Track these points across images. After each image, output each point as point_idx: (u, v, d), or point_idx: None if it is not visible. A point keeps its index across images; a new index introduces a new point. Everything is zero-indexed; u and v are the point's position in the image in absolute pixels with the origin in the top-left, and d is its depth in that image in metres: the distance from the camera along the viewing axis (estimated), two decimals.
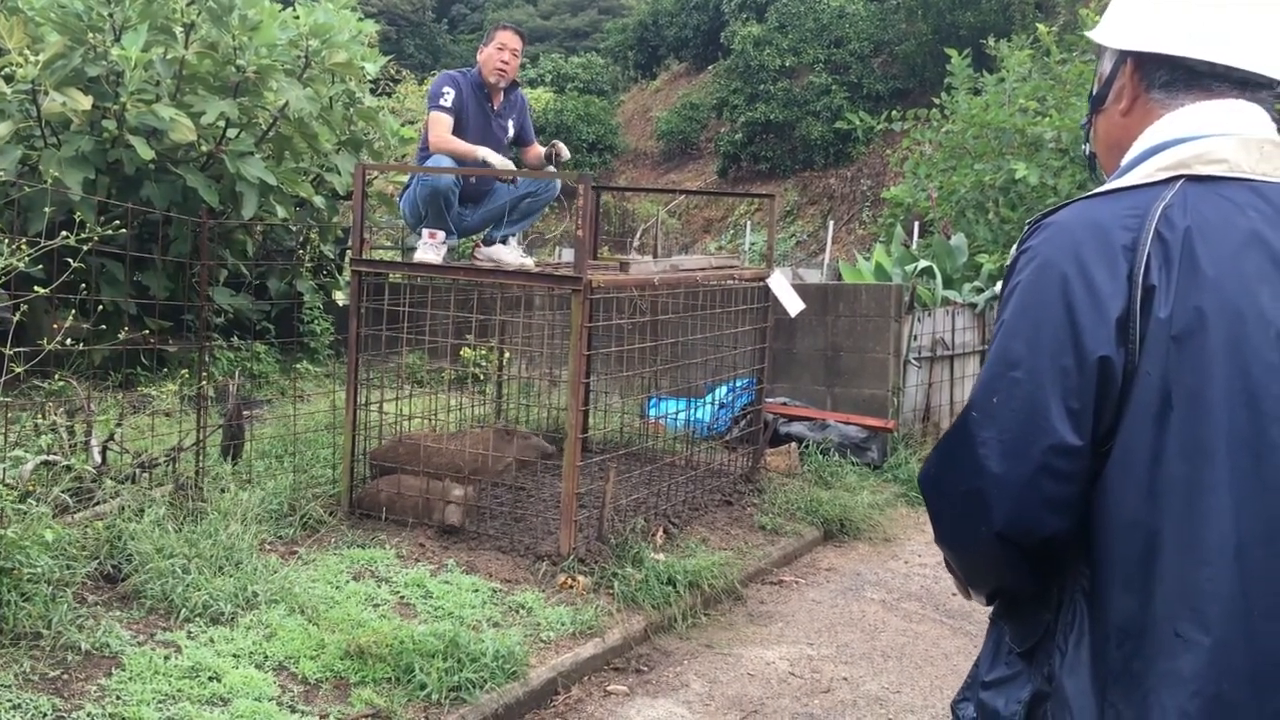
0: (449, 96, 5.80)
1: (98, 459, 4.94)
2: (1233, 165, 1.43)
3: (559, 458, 5.65)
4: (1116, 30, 1.60)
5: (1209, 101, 1.51)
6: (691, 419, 7.29)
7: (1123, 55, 1.59)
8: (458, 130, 5.83)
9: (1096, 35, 1.63)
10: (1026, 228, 1.53)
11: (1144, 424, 1.36)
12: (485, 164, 5.68)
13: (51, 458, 4.62)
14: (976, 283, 9.73)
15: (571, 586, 4.90)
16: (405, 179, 6.79)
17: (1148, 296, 1.37)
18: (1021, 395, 1.41)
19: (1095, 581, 1.41)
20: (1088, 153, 1.72)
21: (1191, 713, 1.32)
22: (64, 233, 4.57)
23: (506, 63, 5.97)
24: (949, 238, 10.61)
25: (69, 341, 4.68)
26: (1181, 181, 1.43)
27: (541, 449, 5.89)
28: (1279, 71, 1.50)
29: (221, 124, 8.31)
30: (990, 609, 1.62)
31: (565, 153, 5.97)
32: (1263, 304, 1.36)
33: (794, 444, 7.68)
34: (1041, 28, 12.08)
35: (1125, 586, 1.38)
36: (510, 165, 5.80)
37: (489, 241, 6.21)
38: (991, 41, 12.71)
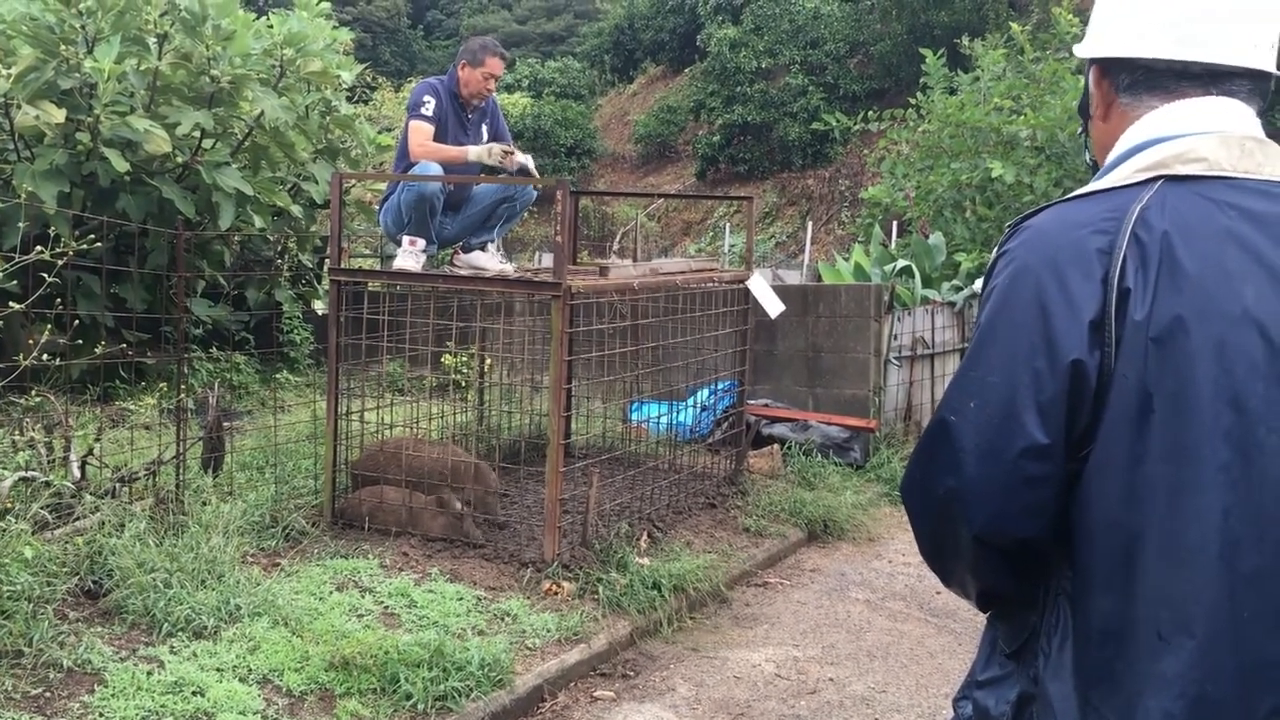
0: (430, 105, 5.81)
1: (77, 474, 4.90)
2: (1212, 164, 1.43)
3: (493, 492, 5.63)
4: (1087, 40, 1.63)
5: (1185, 100, 1.51)
6: (674, 422, 7.30)
7: (1090, 63, 1.63)
8: (437, 138, 5.84)
9: (1076, 49, 1.67)
10: (1006, 230, 1.53)
11: (1123, 426, 1.36)
12: (481, 166, 5.71)
13: (30, 474, 4.59)
14: (955, 281, 9.78)
15: (556, 593, 4.89)
16: (383, 187, 6.78)
17: (1123, 299, 1.37)
18: (996, 399, 1.41)
19: (1076, 584, 1.41)
20: (1089, 160, 1.72)
21: (1176, 714, 1.32)
22: (38, 247, 4.54)
23: (490, 90, 6.02)
24: (927, 237, 10.66)
25: (45, 356, 4.65)
26: (1160, 182, 1.43)
27: (483, 496, 5.74)
28: (1233, 57, 1.49)
29: (197, 135, 8.27)
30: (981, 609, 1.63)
31: (529, 164, 5.93)
32: (1246, 302, 1.35)
33: (777, 445, 7.69)
34: (1015, 26, 12.15)
35: (1106, 588, 1.38)
36: (496, 149, 5.79)
37: (468, 248, 6.20)
38: (966, 41, 12.78)
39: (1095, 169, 1.70)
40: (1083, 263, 1.40)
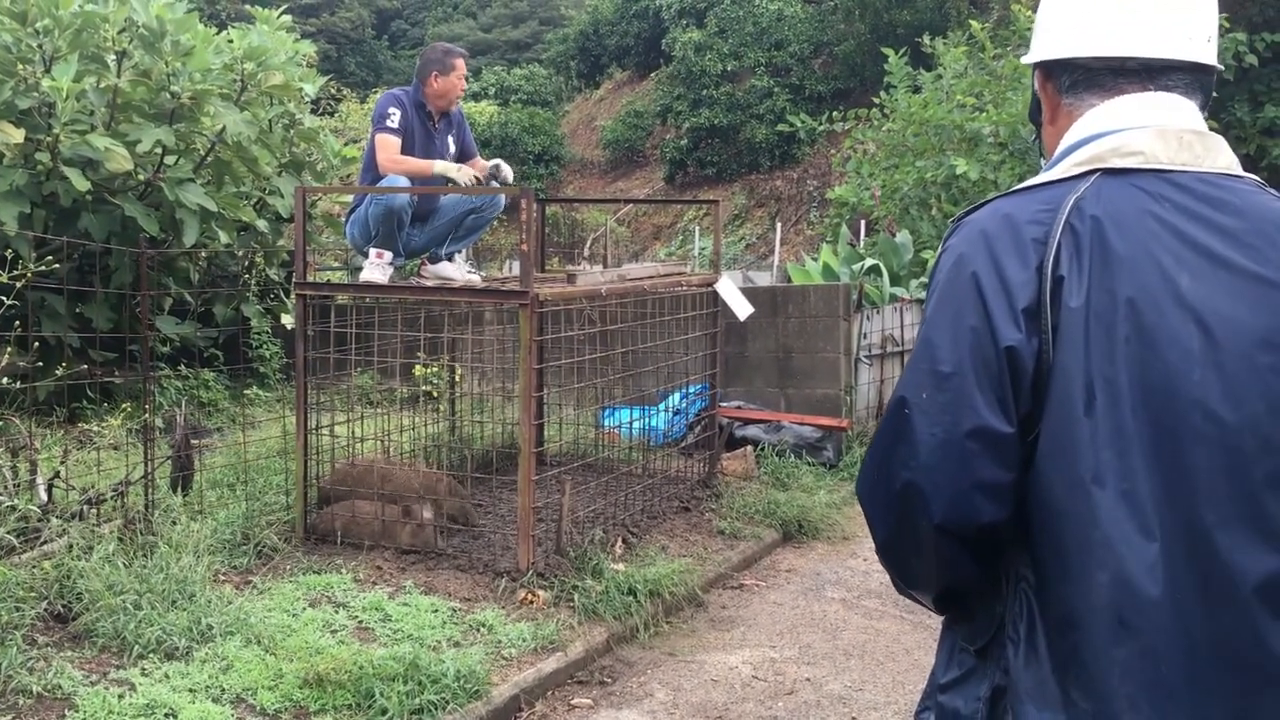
0: (395, 117, 5.79)
1: (43, 497, 4.85)
2: (1149, 156, 1.45)
3: (468, 518, 5.62)
4: (1031, 47, 1.66)
5: (1123, 96, 1.53)
6: (646, 427, 7.30)
7: (1034, 68, 1.66)
8: (403, 149, 5.82)
9: (1022, 58, 1.70)
10: (949, 226, 1.56)
11: (1067, 413, 1.38)
12: (446, 179, 5.71)
13: None
14: (923, 278, 9.83)
15: (532, 602, 4.88)
16: (350, 198, 6.76)
17: (1057, 287, 1.40)
18: (950, 388, 1.42)
19: (1037, 572, 1.42)
20: (1043, 165, 1.75)
21: (1140, 700, 1.33)
22: None
23: (464, 88, 6.07)
24: (894, 235, 10.72)
25: (5, 380, 4.60)
26: (1097, 175, 1.46)
27: (461, 505, 5.75)
28: (1168, 51, 1.52)
29: (158, 151, 8.20)
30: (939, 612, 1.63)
31: (508, 174, 5.97)
32: (1180, 290, 1.37)
33: (750, 447, 7.71)
34: (975, 24, 12.24)
35: (1064, 575, 1.39)
36: (467, 170, 5.79)
37: (435, 259, 6.19)
38: (928, 39, 12.86)
39: None
40: (1019, 252, 1.43)
